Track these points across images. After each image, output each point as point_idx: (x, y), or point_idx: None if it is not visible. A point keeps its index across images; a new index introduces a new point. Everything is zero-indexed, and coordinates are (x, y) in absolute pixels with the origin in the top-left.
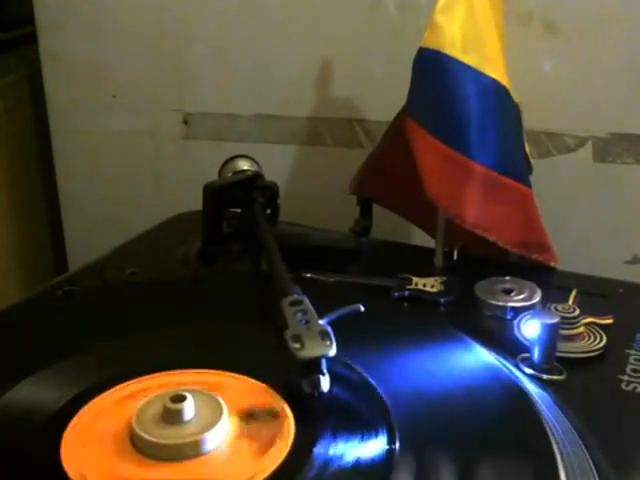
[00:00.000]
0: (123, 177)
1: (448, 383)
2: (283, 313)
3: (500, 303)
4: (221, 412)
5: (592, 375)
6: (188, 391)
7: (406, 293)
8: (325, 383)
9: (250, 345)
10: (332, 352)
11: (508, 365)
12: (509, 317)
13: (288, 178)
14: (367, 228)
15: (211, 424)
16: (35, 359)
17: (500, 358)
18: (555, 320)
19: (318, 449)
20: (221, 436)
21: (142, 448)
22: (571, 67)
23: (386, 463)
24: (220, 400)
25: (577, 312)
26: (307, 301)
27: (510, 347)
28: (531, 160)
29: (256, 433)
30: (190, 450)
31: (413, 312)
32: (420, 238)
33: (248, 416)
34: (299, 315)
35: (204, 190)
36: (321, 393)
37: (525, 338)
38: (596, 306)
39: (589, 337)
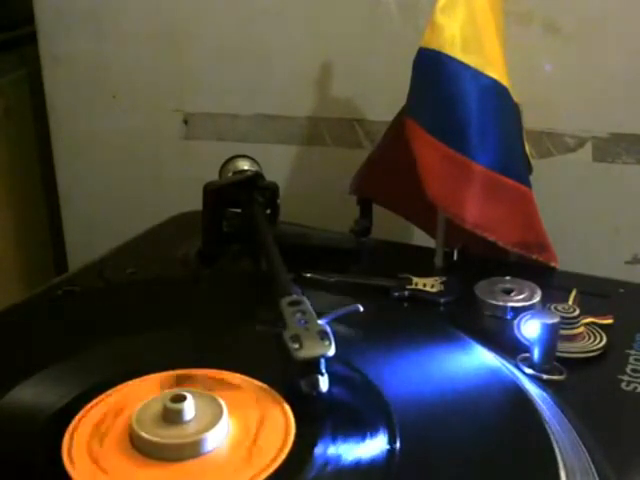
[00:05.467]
0: (123, 177)
1: (448, 383)
2: (282, 313)
3: (500, 303)
4: (221, 412)
5: (592, 375)
6: (188, 391)
7: (406, 293)
8: (324, 383)
9: (250, 345)
10: (331, 352)
11: (508, 365)
12: (509, 317)
13: (288, 178)
14: (367, 228)
15: (211, 424)
16: (35, 359)
17: (500, 358)
18: (555, 320)
19: (318, 449)
20: (221, 436)
21: (142, 448)
22: (571, 67)
23: (386, 463)
24: (220, 400)
25: (577, 312)
26: (306, 301)
27: (510, 347)
28: (531, 160)
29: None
30: (190, 450)
31: (413, 312)
32: (420, 238)
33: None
34: (298, 315)
35: (204, 190)
36: (320, 393)
37: (525, 338)
38: (596, 306)
39: (589, 337)
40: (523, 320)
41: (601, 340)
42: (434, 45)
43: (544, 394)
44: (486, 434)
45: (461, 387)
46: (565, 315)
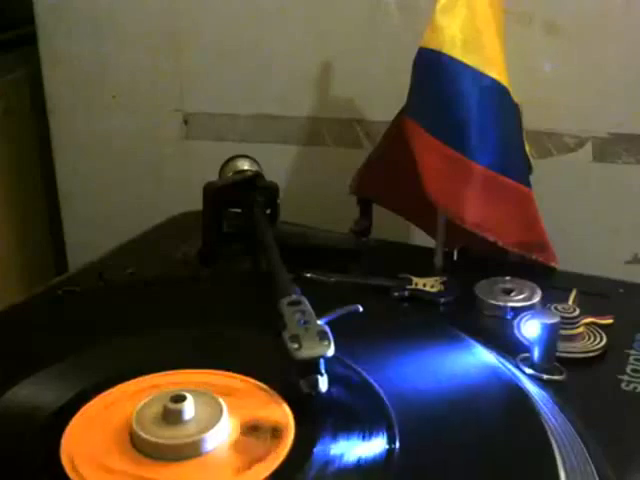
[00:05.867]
0: (123, 177)
1: (448, 383)
2: (282, 313)
3: (500, 303)
4: (221, 412)
5: (592, 375)
6: (188, 391)
7: (406, 293)
8: (323, 383)
9: (250, 345)
10: (330, 352)
11: (508, 365)
12: (509, 317)
13: (288, 178)
14: (367, 228)
15: (211, 424)
16: (35, 359)
17: (500, 358)
18: (555, 320)
19: (318, 449)
20: (221, 436)
21: (142, 448)
22: (571, 67)
23: (386, 463)
24: (220, 400)
25: (577, 312)
26: (306, 301)
27: (510, 347)
28: (531, 160)
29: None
30: (190, 450)
31: (413, 312)
32: (420, 238)
33: (250, 429)
34: (298, 315)
35: (204, 190)
36: (320, 393)
37: (525, 338)
38: (596, 306)
39: (589, 337)
40: (523, 320)
41: (601, 340)
42: (434, 45)
43: (544, 394)
44: (486, 434)
45: (461, 387)
46: (565, 315)
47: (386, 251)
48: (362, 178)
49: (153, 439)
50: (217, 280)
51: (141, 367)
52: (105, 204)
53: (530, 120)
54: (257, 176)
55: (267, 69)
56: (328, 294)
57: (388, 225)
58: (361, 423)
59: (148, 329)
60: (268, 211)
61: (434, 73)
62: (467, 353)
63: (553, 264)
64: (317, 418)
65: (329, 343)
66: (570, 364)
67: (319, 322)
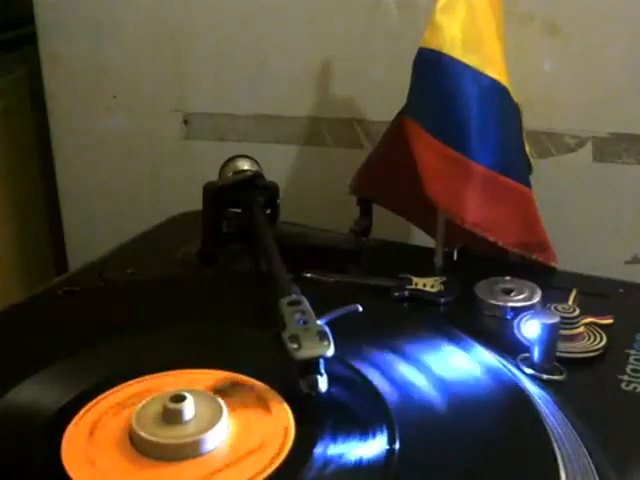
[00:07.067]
0: (123, 177)
1: (448, 383)
2: (281, 313)
3: (500, 303)
4: (221, 412)
5: (592, 375)
6: (188, 391)
7: (406, 293)
8: (323, 383)
9: (250, 345)
10: (330, 352)
11: (508, 365)
12: (509, 317)
13: (288, 178)
14: (367, 228)
15: (211, 424)
16: (35, 359)
17: (500, 358)
18: (555, 320)
19: (318, 449)
20: (221, 436)
21: (142, 448)
22: (571, 67)
23: (386, 463)
24: (220, 400)
25: (577, 312)
26: (306, 301)
27: (510, 347)
28: (531, 160)
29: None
30: (190, 450)
31: (413, 312)
32: (420, 238)
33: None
34: (297, 315)
35: (204, 190)
36: (320, 393)
37: (525, 338)
38: (596, 306)
39: (589, 337)
40: (523, 320)
41: (601, 340)
42: (434, 45)
43: (544, 394)
44: (486, 434)
45: (461, 387)
46: (565, 315)
47: (386, 251)
48: (362, 178)
49: (153, 439)
50: (217, 280)
51: (141, 367)
52: (105, 204)
53: (530, 120)
54: (257, 176)
55: (267, 69)
56: (328, 294)
57: (388, 225)
58: (361, 423)
59: (148, 329)
60: (268, 211)
61: (434, 73)
62: (467, 353)
63: (553, 264)
64: (317, 418)
65: (329, 343)
66: (570, 364)
67: (319, 322)
